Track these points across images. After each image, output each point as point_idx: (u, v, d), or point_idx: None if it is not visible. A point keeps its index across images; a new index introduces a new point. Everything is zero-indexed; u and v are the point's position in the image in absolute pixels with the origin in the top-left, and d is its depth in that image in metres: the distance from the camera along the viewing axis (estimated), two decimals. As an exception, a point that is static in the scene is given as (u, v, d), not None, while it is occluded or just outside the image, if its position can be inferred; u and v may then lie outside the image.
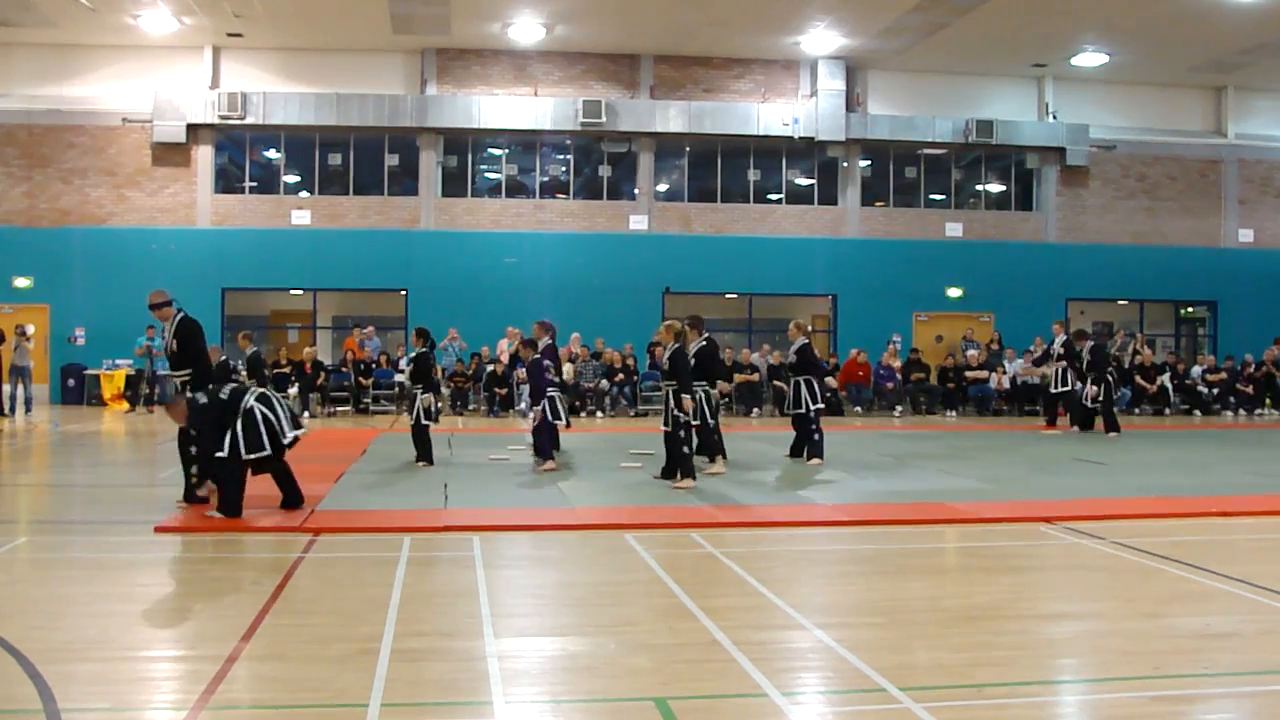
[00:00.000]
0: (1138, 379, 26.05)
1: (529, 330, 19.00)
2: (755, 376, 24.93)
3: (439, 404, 15.35)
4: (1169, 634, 6.63)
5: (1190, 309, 31.47)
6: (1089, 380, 20.37)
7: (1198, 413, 25.98)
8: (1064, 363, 20.96)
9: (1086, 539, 9.64)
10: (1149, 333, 29.75)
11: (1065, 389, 21.15)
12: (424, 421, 14.74)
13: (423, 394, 14.77)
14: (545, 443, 14.65)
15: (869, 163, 29.23)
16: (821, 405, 15.54)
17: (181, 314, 11.10)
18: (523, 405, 21.41)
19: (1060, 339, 21.23)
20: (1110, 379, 20.63)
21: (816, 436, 15.16)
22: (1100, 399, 20.38)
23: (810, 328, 15.89)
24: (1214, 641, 6.47)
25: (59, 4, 23.39)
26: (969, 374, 25.69)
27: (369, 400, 24.41)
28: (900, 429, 21.53)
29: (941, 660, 6.08)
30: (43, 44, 26.18)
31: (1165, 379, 26.34)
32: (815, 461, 14.88)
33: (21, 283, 25.57)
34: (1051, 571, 8.76)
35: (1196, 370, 27.13)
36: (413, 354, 15.21)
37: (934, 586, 8.14)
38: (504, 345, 23.88)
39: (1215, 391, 26.66)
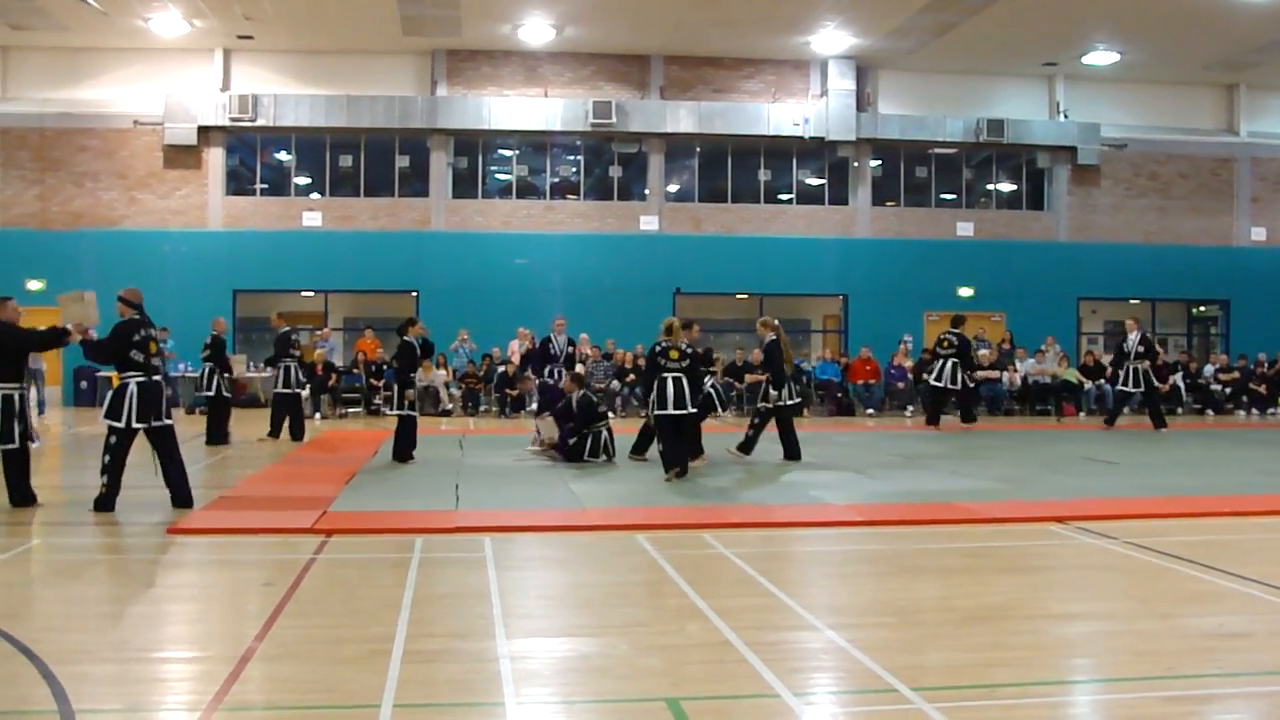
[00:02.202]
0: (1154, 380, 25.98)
1: (542, 330, 19.10)
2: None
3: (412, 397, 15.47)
4: (1182, 634, 6.61)
5: (1202, 308, 31.39)
6: (957, 371, 20.56)
7: (1210, 412, 25.91)
8: (1142, 361, 20.83)
9: (1098, 539, 9.62)
10: (1161, 332, 29.64)
11: (1141, 388, 21.11)
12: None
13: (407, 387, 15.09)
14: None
15: (880, 162, 29.19)
16: (790, 402, 15.50)
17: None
18: (534, 407, 21.45)
19: (1135, 335, 21.03)
20: (971, 369, 21.11)
21: (751, 432, 15.30)
22: (959, 388, 20.81)
23: (777, 322, 15.89)
24: (1227, 642, 6.45)
25: (70, 7, 23.46)
26: (980, 373, 25.62)
27: (380, 401, 24.40)
28: (911, 429, 21.49)
29: (954, 660, 6.08)
30: (54, 47, 26.28)
31: (1177, 378, 26.25)
32: (727, 452, 15.12)
33: (34, 285, 25.62)
34: (1064, 572, 8.74)
35: (1209, 369, 27.08)
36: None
37: (946, 586, 8.12)
38: (515, 346, 23.92)
39: (1228, 391, 26.60)
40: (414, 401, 15.13)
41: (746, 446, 15.21)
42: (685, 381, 13.51)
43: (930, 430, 20.68)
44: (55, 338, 10.96)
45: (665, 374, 13.49)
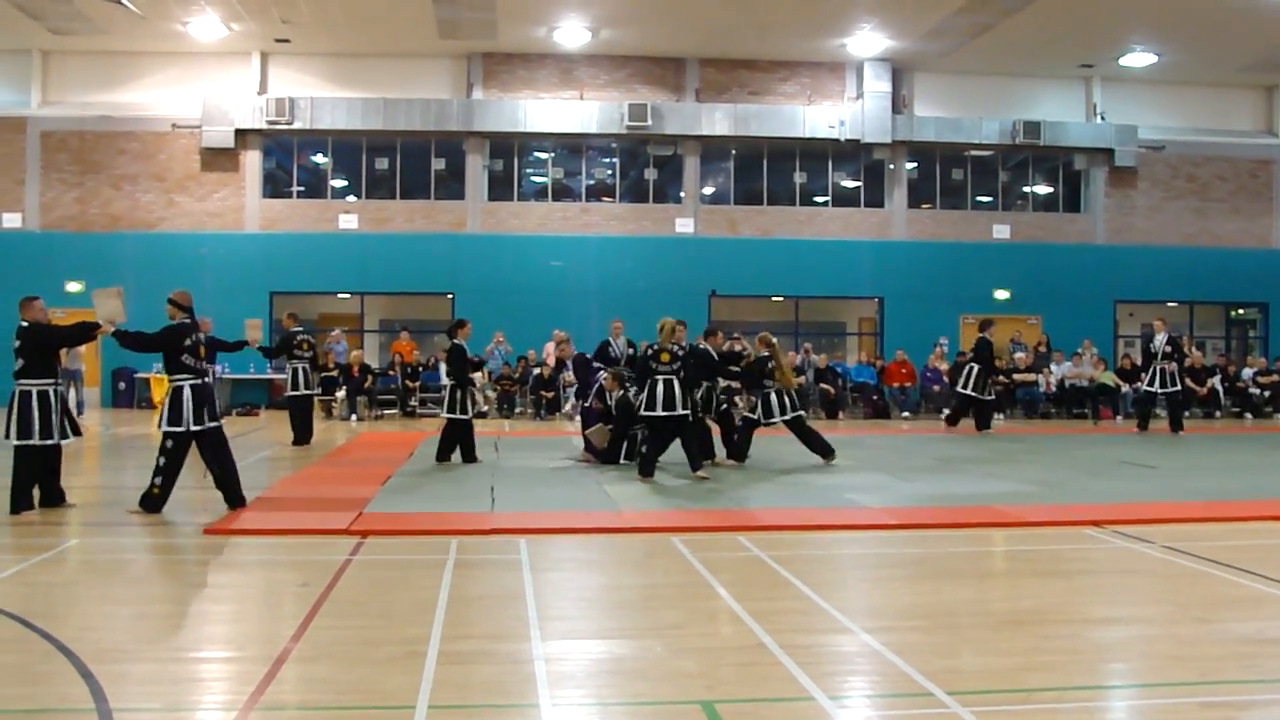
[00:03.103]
0: (1187, 381, 25.75)
1: (582, 334, 19.01)
2: (801, 379, 24.83)
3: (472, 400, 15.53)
4: (1219, 639, 6.55)
5: (1241, 311, 31.12)
6: (973, 376, 20.43)
7: (1249, 415, 25.67)
8: (1169, 362, 20.65)
9: (1136, 543, 9.55)
10: (1199, 335, 29.43)
11: (1174, 388, 20.92)
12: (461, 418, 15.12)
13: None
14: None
15: (915, 165, 29.09)
16: (774, 419, 15.36)
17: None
18: (569, 408, 21.48)
19: (1162, 336, 20.84)
20: (992, 375, 20.96)
21: (735, 436, 15.35)
22: (987, 394, 20.66)
23: (775, 341, 15.84)
24: (1266, 647, 6.38)
25: (109, 12, 23.65)
26: (1016, 376, 25.48)
27: (416, 403, 24.51)
28: (947, 432, 21.38)
29: (989, 664, 6.05)
30: (93, 52, 26.54)
31: (1216, 381, 26.02)
32: (710, 463, 14.81)
33: (73, 287, 25.81)
34: (1100, 575, 8.67)
35: (1247, 372, 26.81)
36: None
37: (982, 590, 8.09)
38: (550, 348, 23.95)
39: (1267, 394, 26.34)
40: (465, 405, 15.15)
41: (738, 455, 15.24)
42: (676, 384, 13.58)
43: (949, 431, 20.80)
44: (83, 332, 11.05)
45: (656, 376, 13.63)
